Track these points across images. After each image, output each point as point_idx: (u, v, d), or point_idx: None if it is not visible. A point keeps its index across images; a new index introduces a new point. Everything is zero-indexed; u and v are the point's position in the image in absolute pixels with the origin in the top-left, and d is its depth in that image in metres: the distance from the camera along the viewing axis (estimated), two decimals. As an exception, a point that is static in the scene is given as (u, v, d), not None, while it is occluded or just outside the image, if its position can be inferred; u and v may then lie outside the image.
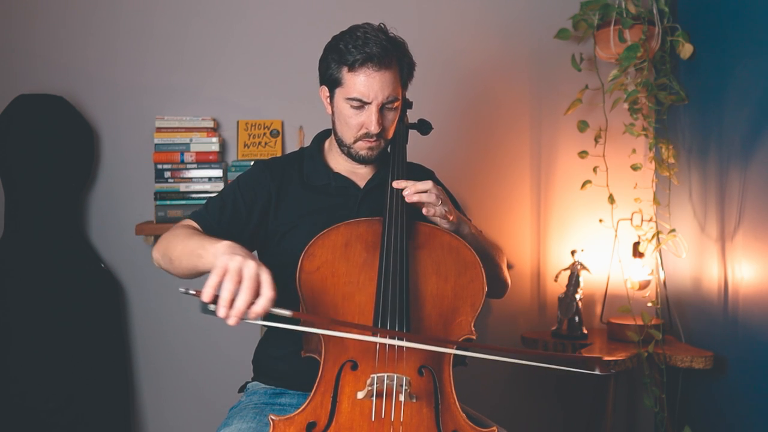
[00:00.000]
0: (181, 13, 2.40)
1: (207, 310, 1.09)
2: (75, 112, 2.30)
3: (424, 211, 1.38)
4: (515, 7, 2.51)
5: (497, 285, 1.58)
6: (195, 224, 1.45)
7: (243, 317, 1.08)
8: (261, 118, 2.42)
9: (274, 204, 1.50)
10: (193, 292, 1.09)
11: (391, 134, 1.50)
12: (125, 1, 2.38)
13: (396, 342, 1.21)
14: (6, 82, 2.30)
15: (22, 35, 2.34)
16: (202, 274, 1.29)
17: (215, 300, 1.08)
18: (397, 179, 1.42)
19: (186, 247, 1.30)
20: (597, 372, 1.25)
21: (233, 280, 1.08)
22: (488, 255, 1.51)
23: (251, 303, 1.08)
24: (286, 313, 1.11)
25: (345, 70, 1.41)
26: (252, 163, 1.99)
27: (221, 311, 1.07)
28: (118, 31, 2.38)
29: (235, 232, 1.45)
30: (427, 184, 1.38)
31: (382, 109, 1.43)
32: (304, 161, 1.57)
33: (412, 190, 1.37)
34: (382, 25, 1.46)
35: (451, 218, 1.40)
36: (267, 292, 1.09)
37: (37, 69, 2.34)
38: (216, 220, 1.46)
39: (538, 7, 2.51)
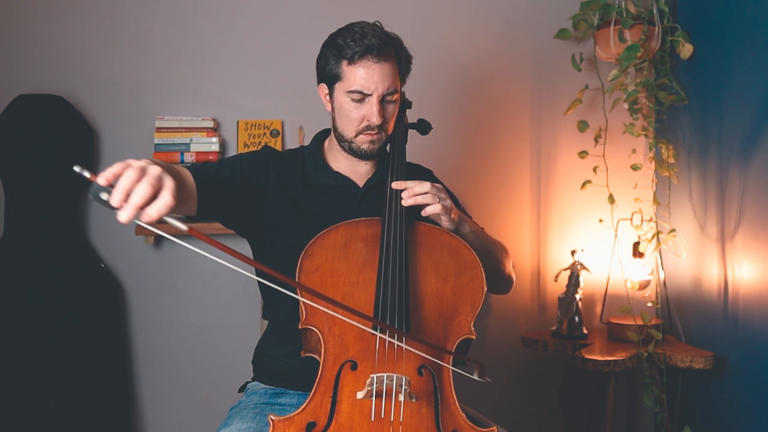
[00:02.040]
0: (181, 13, 2.40)
1: (99, 197, 0.97)
2: (75, 111, 2.30)
3: (423, 211, 1.38)
4: (515, 7, 2.51)
5: (501, 281, 1.59)
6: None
7: (136, 216, 0.97)
8: (261, 118, 2.42)
9: (271, 192, 1.49)
10: (88, 175, 0.95)
11: (391, 128, 1.50)
12: (125, 1, 2.38)
13: (396, 341, 1.21)
14: (6, 82, 2.30)
15: (22, 35, 2.34)
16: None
17: (110, 192, 0.96)
18: (397, 179, 1.42)
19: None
20: (475, 377, 1.20)
21: (136, 172, 0.98)
22: (490, 252, 1.51)
23: (148, 202, 0.97)
24: (182, 227, 0.98)
25: (344, 63, 1.42)
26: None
27: (115, 199, 0.95)
28: (118, 31, 2.38)
29: (224, 192, 1.44)
30: (425, 186, 1.38)
31: (382, 101, 1.43)
32: (305, 159, 1.57)
33: (408, 194, 1.37)
34: (377, 22, 1.46)
35: (452, 216, 1.40)
36: (166, 196, 0.99)
37: (37, 69, 2.34)
38: (211, 175, 1.43)
39: (538, 6, 2.51)
